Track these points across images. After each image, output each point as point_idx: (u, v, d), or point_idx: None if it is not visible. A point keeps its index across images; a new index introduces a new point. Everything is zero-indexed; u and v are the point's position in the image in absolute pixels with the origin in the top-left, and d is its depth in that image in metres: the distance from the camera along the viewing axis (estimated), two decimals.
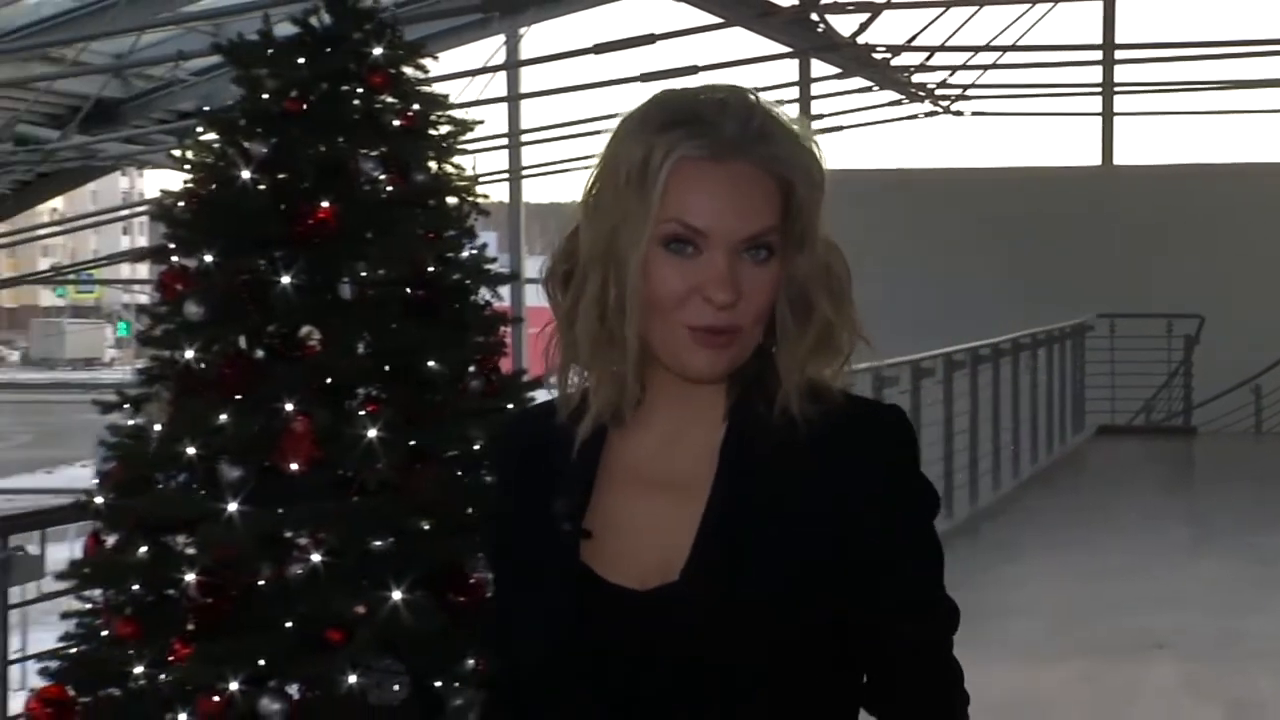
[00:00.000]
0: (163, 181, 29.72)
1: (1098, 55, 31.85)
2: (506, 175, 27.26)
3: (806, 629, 2.46)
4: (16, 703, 6.53)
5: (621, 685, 2.46)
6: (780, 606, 2.44)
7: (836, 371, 2.56)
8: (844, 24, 26.16)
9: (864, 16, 26.29)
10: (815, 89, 30.86)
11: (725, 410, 2.53)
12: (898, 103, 31.29)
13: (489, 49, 26.69)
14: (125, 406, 5.75)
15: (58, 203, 35.87)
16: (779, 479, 2.49)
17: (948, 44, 28.62)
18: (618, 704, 2.46)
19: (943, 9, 27.11)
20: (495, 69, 26.60)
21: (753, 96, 2.53)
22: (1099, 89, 32.27)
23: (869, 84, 29.88)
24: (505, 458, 2.76)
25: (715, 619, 2.43)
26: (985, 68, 30.85)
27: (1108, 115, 32.31)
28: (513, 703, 2.63)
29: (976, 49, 29.34)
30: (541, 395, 5.91)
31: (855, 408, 2.56)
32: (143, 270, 36.14)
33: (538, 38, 28.25)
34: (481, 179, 4.76)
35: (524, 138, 28.59)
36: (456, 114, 6.01)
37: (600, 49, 23.12)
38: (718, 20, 25.17)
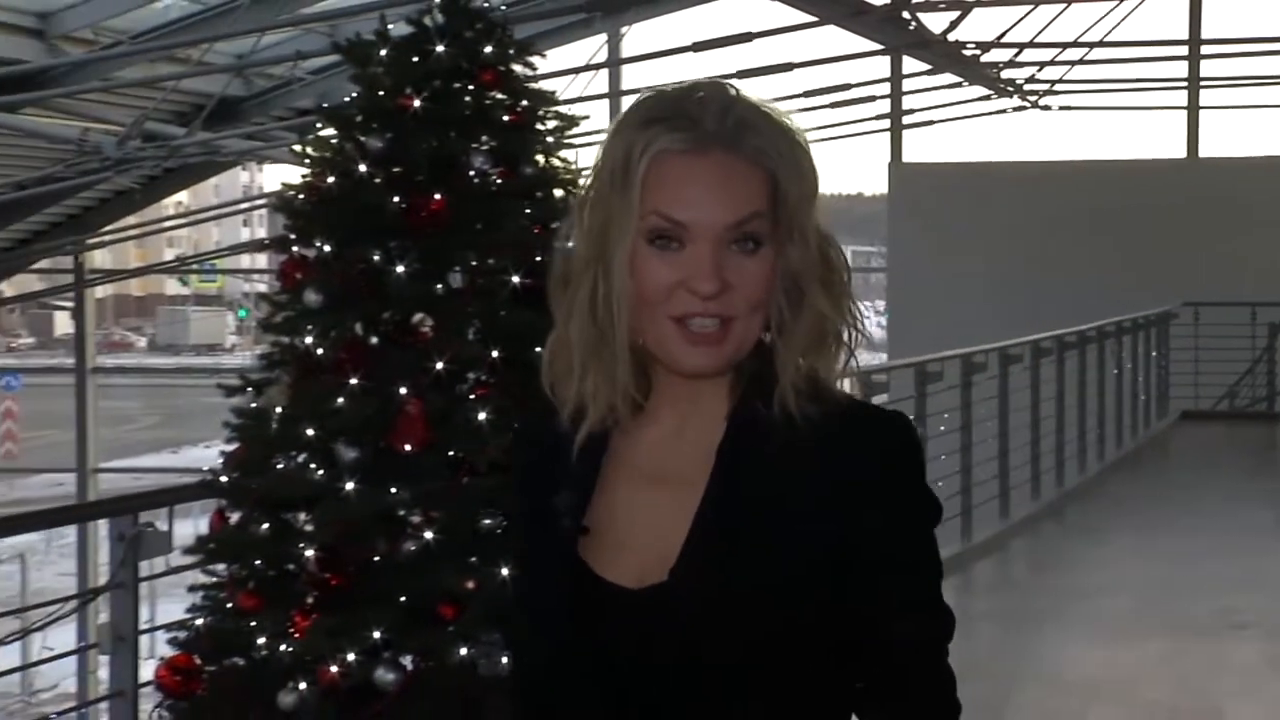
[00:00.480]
0: (281, 176, 29.88)
1: (1183, 50, 31.49)
2: None
3: (796, 627, 2.42)
4: (147, 670, 6.59)
5: (620, 682, 2.44)
6: (767, 604, 2.41)
7: (839, 369, 2.53)
8: (935, 22, 26.01)
9: (954, 14, 26.03)
10: (906, 85, 30.60)
11: (729, 408, 2.50)
12: (986, 98, 30.93)
13: (591, 47, 26.56)
14: (248, 390, 5.79)
15: (183, 196, 36.01)
16: (777, 478, 2.46)
17: (1036, 40, 28.15)
18: (618, 701, 2.44)
19: (1032, 6, 26.61)
20: (598, 66, 26.39)
21: (733, 91, 2.53)
22: (1185, 83, 31.79)
23: (958, 80, 29.46)
24: (517, 458, 2.74)
25: (704, 615, 2.40)
26: (1073, 63, 30.28)
27: (1193, 109, 31.79)
28: (536, 700, 2.58)
29: (1064, 45, 28.82)
30: None
31: (858, 410, 2.54)
32: (262, 260, 36.16)
33: (638, 36, 28.28)
34: (585, 172, 4.79)
35: None
36: (562, 110, 6.03)
37: (698, 47, 22.99)
38: (812, 19, 25.02)
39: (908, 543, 2.51)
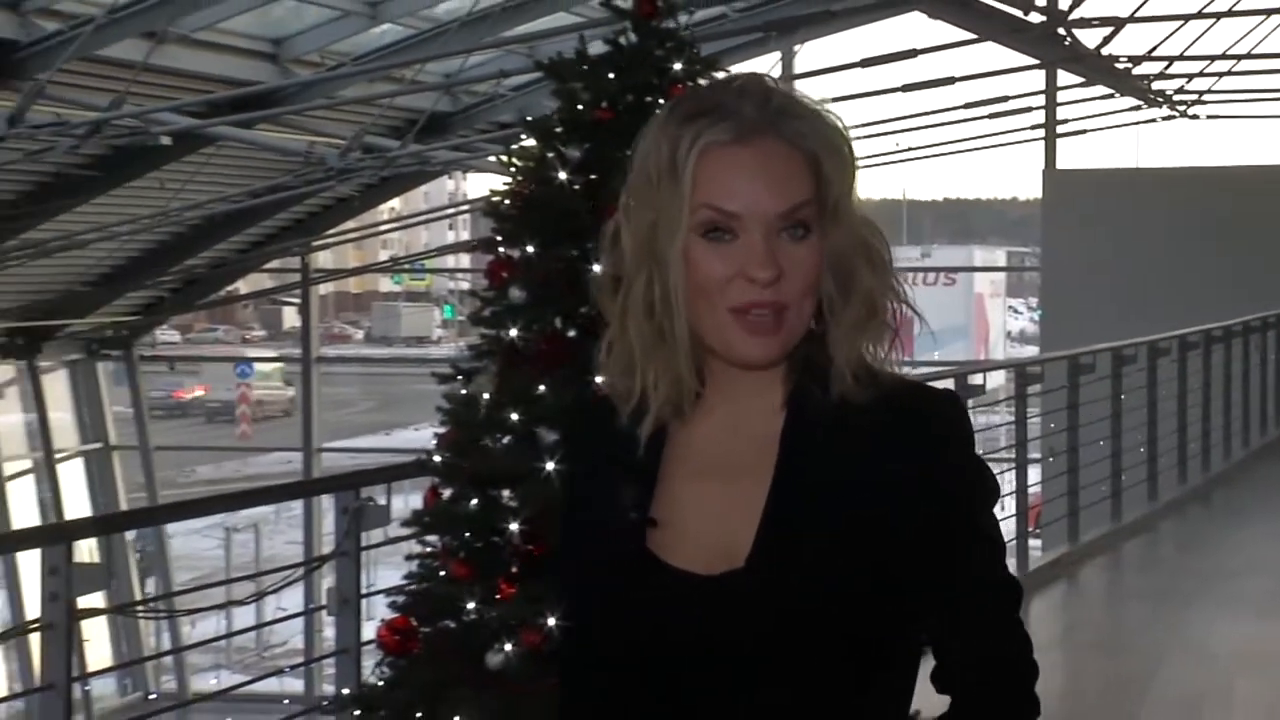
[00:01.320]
0: (484, 184, 30.05)
1: None
2: None
3: (874, 611, 2.32)
4: (368, 630, 6.67)
5: (687, 669, 2.32)
6: (844, 590, 2.30)
7: (887, 352, 2.41)
8: (1089, 37, 25.60)
9: (1107, 30, 25.62)
10: (1060, 96, 30.20)
11: (784, 396, 2.39)
12: (1136, 108, 30.39)
13: (768, 63, 26.79)
14: (458, 379, 5.82)
15: (395, 203, 36.19)
16: (838, 463, 2.34)
17: (1185, 54, 27.67)
18: (694, 698, 2.33)
19: (1181, 23, 26.21)
20: (807, 75, 26.82)
21: (769, 80, 2.42)
22: None
23: (1110, 91, 29.28)
24: (572, 450, 2.64)
25: (781, 602, 2.29)
26: (1220, 74, 29.85)
27: None
28: (589, 692, 2.48)
29: (1212, 58, 28.35)
30: None
31: (910, 391, 2.41)
32: (465, 260, 36.28)
33: (810, 53, 28.34)
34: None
35: None
36: None
37: (866, 63, 23.00)
38: (972, 36, 24.96)
39: (971, 525, 2.40)
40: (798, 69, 27.15)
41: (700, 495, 2.37)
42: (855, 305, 2.35)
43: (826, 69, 24.71)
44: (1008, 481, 14.70)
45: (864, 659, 2.32)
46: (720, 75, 2.21)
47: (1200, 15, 25.67)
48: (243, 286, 36.16)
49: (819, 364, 2.36)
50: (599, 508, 2.43)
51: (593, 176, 5.53)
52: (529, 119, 5.99)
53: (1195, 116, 31.72)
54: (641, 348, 2.38)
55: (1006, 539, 12.23)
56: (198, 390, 52.99)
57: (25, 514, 26.82)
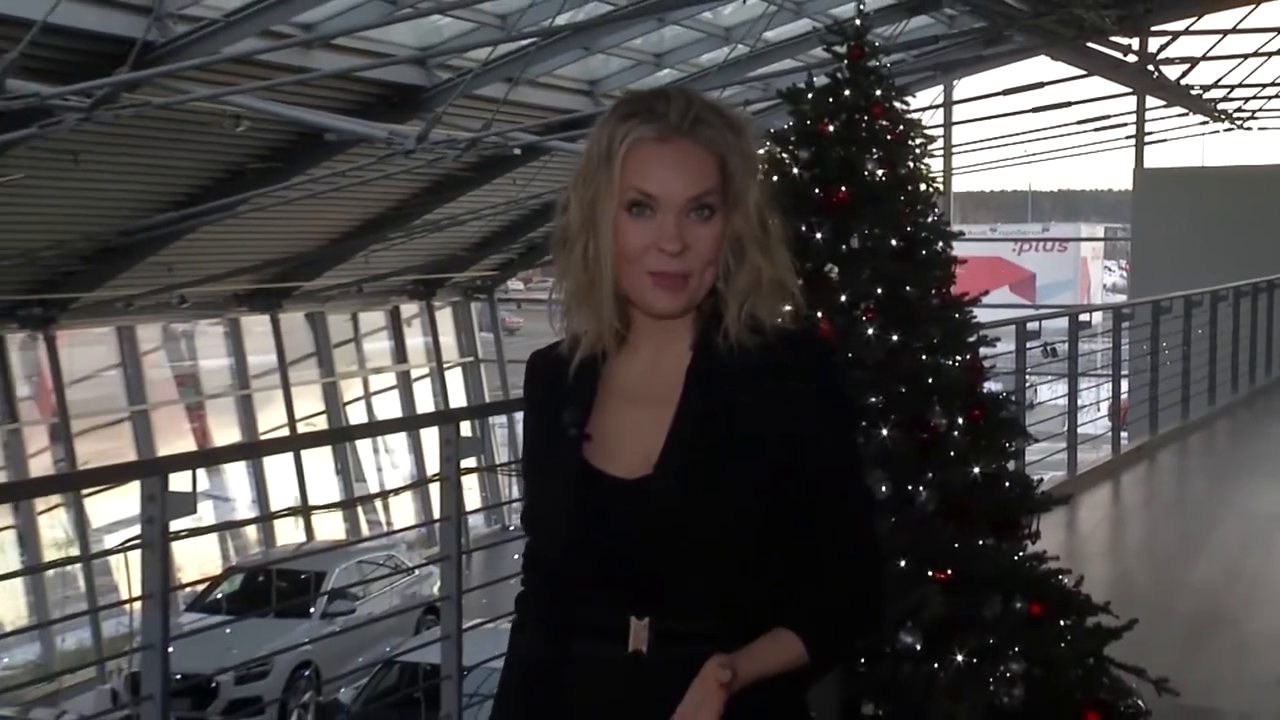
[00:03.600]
0: None
1: None
2: (942, 172, 27.38)
3: (752, 506, 2.21)
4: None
5: (615, 550, 2.23)
6: (731, 489, 2.20)
7: (777, 309, 2.29)
8: (1170, 71, 25.95)
9: (1184, 66, 26.01)
10: (1148, 115, 30.15)
11: (691, 341, 2.28)
12: (1204, 122, 30.08)
13: (935, 93, 27.10)
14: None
15: None
16: (731, 392, 2.24)
17: (1243, 82, 28.06)
18: (614, 564, 2.24)
19: (1240, 60, 26.53)
20: (938, 106, 27.04)
21: (692, 93, 2.30)
22: None
23: (1185, 110, 29.09)
24: (529, 383, 2.46)
25: (681, 498, 2.20)
26: (1269, 97, 29.83)
27: None
28: (544, 571, 2.39)
29: (1263, 85, 28.64)
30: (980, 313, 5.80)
31: (790, 336, 2.28)
32: None
33: (966, 85, 28.33)
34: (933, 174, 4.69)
35: (954, 150, 29.15)
36: (925, 132, 5.93)
37: (1007, 92, 23.51)
38: (1083, 71, 25.57)
39: (837, 440, 2.30)
40: (957, 96, 27.58)
41: (626, 417, 2.29)
42: (746, 274, 2.25)
43: (978, 96, 26.06)
44: (1104, 391, 14.58)
45: (751, 544, 2.22)
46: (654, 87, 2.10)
47: (1255, 54, 26.16)
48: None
49: (719, 317, 2.26)
50: (548, 427, 2.34)
51: (816, 170, 5.48)
52: (770, 130, 5.92)
53: (1249, 128, 31.46)
54: (576, 296, 2.29)
55: (1104, 433, 11.96)
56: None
57: (425, 404, 28.16)
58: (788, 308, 2.32)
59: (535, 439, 2.40)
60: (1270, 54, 26.17)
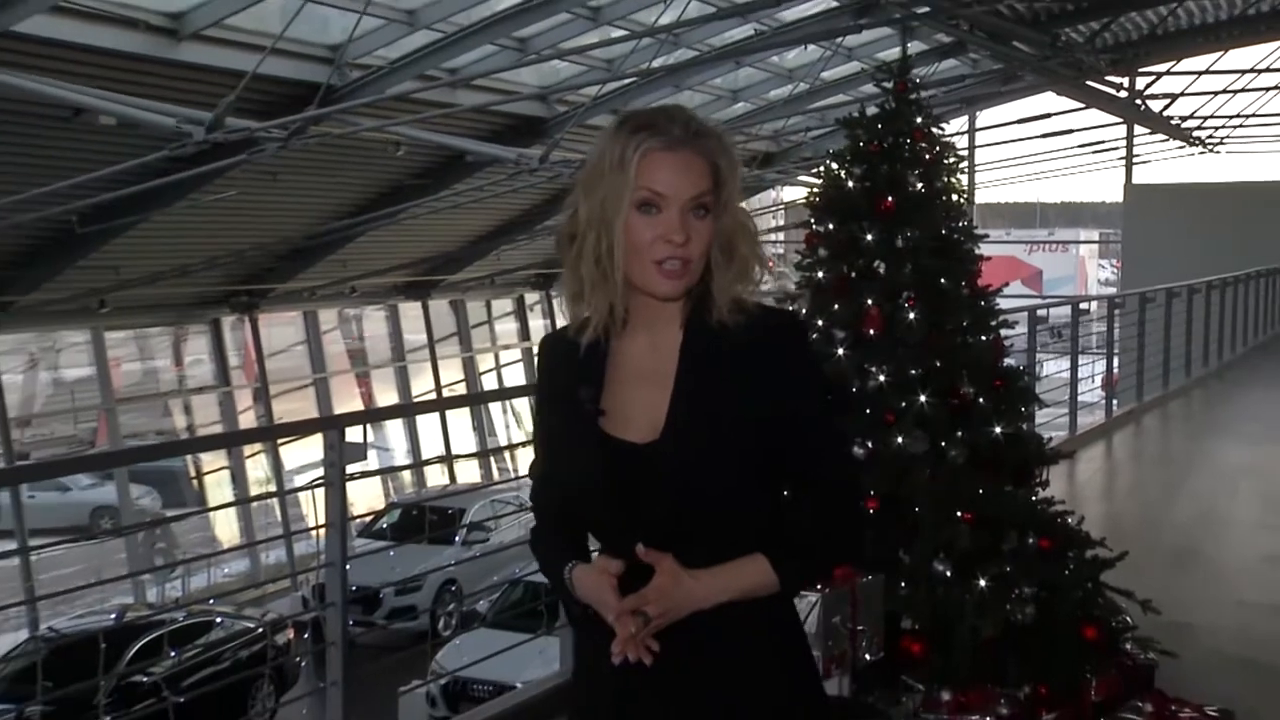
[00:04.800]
0: (795, 191, 29.83)
1: None
2: (967, 186, 27.16)
3: (743, 460, 2.14)
4: None
5: (630, 505, 2.17)
6: (728, 448, 2.13)
7: (751, 292, 2.21)
8: (1155, 105, 25.97)
9: (1165, 101, 25.92)
10: (1136, 140, 30.01)
11: (682, 322, 2.20)
12: (1182, 147, 29.84)
13: (962, 122, 26.86)
14: (790, 304, 5.72)
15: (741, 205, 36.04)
16: (721, 366, 2.16)
17: (1214, 114, 28.02)
18: (629, 518, 2.17)
19: (1212, 96, 26.53)
20: (963, 132, 27.26)
21: (689, 111, 2.24)
22: None
23: (1166, 137, 28.82)
24: (543, 361, 2.36)
25: (686, 458, 2.13)
26: (1234, 127, 29.67)
27: None
28: (556, 520, 2.33)
29: (1230, 116, 28.66)
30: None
31: (767, 314, 2.22)
32: (779, 235, 36.16)
33: (987, 115, 28.15)
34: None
35: (977, 168, 28.99)
36: (958, 152, 5.85)
37: (1020, 121, 23.41)
38: (1083, 105, 25.58)
39: (812, 396, 2.22)
40: (979, 124, 27.43)
41: (633, 392, 2.20)
42: (732, 267, 2.19)
43: (998, 124, 25.98)
44: (1099, 366, 14.44)
45: (743, 490, 2.16)
46: (665, 104, 2.02)
47: (1224, 91, 26.50)
48: None
49: (707, 301, 2.19)
50: (563, 401, 2.24)
51: (867, 184, 5.42)
52: (829, 151, 5.88)
53: (1218, 152, 31.13)
54: (589, 284, 2.19)
55: (1098, 400, 11.79)
56: None
57: None
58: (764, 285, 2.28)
59: (554, 412, 2.31)
60: (1236, 91, 26.67)
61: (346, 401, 23.54)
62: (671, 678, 2.15)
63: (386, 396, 24.81)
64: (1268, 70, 26.03)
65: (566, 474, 2.26)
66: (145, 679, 13.55)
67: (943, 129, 5.69)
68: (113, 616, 15.21)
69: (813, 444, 2.20)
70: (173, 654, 14.12)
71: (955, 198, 5.57)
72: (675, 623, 2.12)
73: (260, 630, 15.21)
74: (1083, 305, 13.90)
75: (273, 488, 21.17)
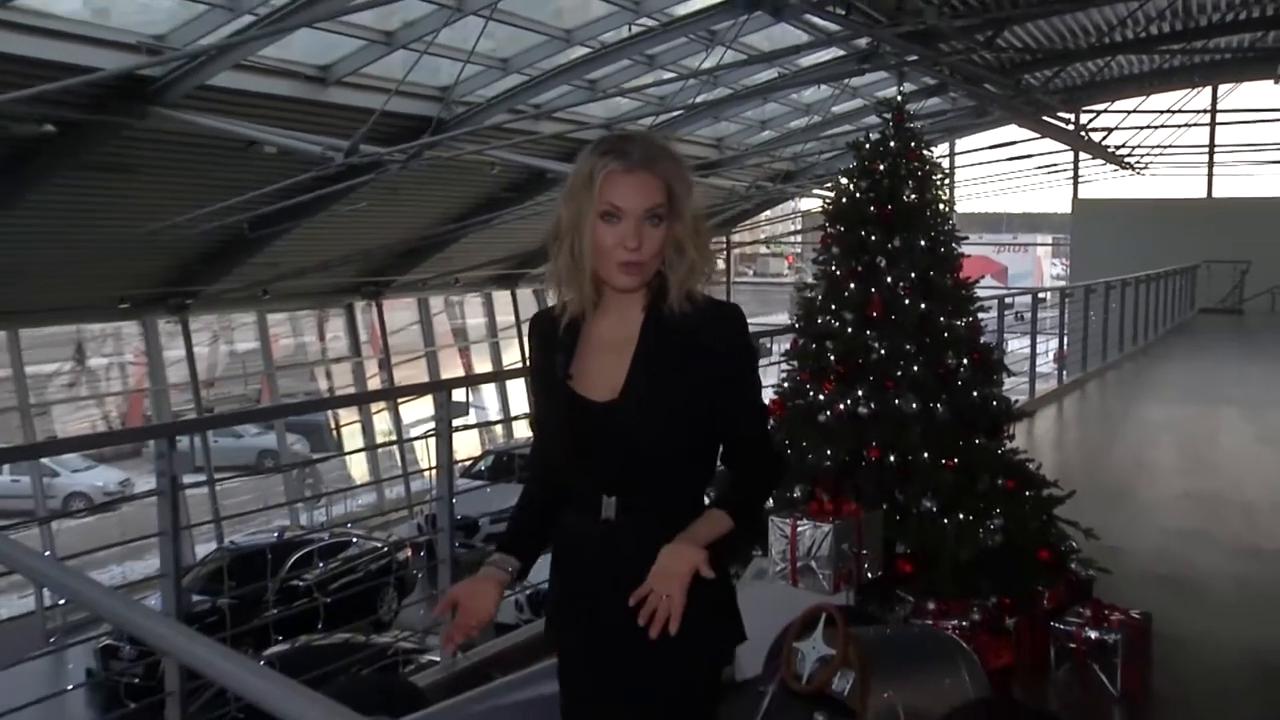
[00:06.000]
0: (810, 202, 29.62)
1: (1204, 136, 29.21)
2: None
3: (690, 424, 2.06)
4: None
5: (595, 456, 2.09)
6: (674, 410, 2.05)
7: (701, 286, 2.12)
8: (1096, 136, 25.65)
9: (1104, 133, 25.65)
10: (1081, 163, 29.56)
11: (643, 307, 2.11)
12: (1115, 169, 29.28)
13: (943, 148, 26.56)
14: (806, 289, 5.66)
15: (768, 213, 35.69)
16: (672, 344, 2.08)
17: (1142, 144, 27.57)
18: (595, 468, 2.09)
19: (1138, 130, 26.29)
20: (945, 155, 26.86)
21: (652, 137, 2.16)
22: (1205, 149, 29.33)
23: (1103, 161, 28.29)
24: (531, 335, 2.26)
25: (638, 416, 2.05)
26: (1160, 153, 29.02)
27: (1210, 164, 29.51)
28: (544, 476, 2.26)
29: (1154, 147, 28.23)
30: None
31: (712, 304, 2.11)
32: (797, 236, 35.92)
33: (965, 142, 27.99)
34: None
35: (957, 184, 28.30)
36: (942, 168, 5.74)
37: (992, 148, 23.10)
38: (1038, 135, 24.69)
39: (747, 381, 2.15)
40: (958, 149, 27.05)
41: (598, 360, 2.11)
42: (683, 264, 2.09)
43: (972, 149, 25.74)
44: (1053, 344, 14.28)
45: (685, 445, 2.08)
46: (632, 129, 1.94)
47: (1148, 126, 26.61)
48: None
49: (664, 292, 2.10)
50: (545, 368, 2.16)
51: (871, 194, 5.34)
52: (840, 169, 5.80)
53: (1143, 174, 30.49)
54: (565, 275, 2.11)
55: (1052, 371, 11.72)
56: None
57: None
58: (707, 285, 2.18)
59: (538, 376, 2.24)
60: (1157, 127, 27.05)
61: (451, 369, 23.66)
62: (620, 589, 2.06)
63: (483, 365, 24.91)
64: (1180, 111, 26.91)
65: (543, 426, 2.21)
66: (301, 583, 13.73)
67: (931, 152, 5.62)
68: (275, 535, 15.40)
69: (744, 417, 2.13)
70: (320, 565, 14.28)
71: (943, 207, 5.49)
72: (640, 557, 2.02)
73: (386, 549, 15.37)
74: (1040, 295, 13.72)
75: (394, 437, 21.30)
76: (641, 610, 1.99)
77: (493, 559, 2.25)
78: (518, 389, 24.18)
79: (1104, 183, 31.29)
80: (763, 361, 7.30)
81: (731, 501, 2.12)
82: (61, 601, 13.69)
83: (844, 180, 5.46)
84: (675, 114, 16.67)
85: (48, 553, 12.20)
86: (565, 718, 2.20)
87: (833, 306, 5.33)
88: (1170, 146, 28.93)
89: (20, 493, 18.60)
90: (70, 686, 12.19)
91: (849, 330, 5.24)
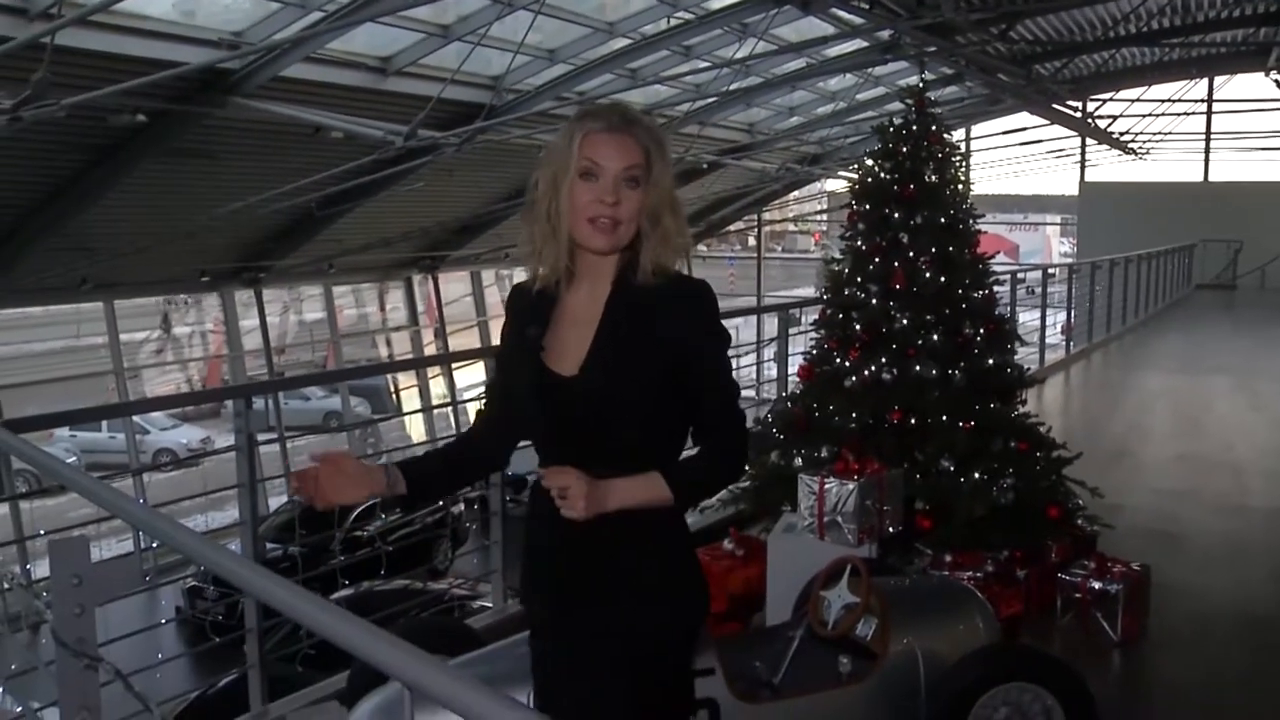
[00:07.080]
0: (835, 183, 29.29)
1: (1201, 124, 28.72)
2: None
3: (654, 395, 1.90)
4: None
5: (560, 426, 1.96)
6: (636, 384, 1.90)
7: (673, 260, 1.96)
8: (1102, 123, 25.15)
9: (1110, 119, 25.21)
10: (1089, 149, 29.21)
11: (612, 279, 1.96)
12: (1120, 153, 28.73)
13: (960, 134, 26.29)
14: (833, 262, 5.62)
15: (796, 192, 35.27)
16: (639, 316, 1.92)
17: (1145, 130, 27.15)
18: (560, 436, 1.96)
19: (1141, 117, 25.92)
20: (962, 140, 26.56)
21: (627, 105, 2.04)
22: (1202, 136, 28.75)
23: (1108, 146, 27.78)
24: (509, 304, 2.11)
25: (600, 389, 1.91)
26: (1163, 138, 28.57)
27: (1207, 150, 28.93)
28: (486, 424, 2.15)
29: (1157, 133, 27.83)
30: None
31: (682, 280, 1.95)
32: (824, 215, 35.65)
33: (980, 128, 27.50)
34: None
35: (973, 166, 27.91)
36: (960, 150, 5.69)
37: (1006, 133, 22.43)
38: (1047, 122, 24.25)
39: (715, 356, 1.96)
40: (974, 134, 26.81)
41: (568, 333, 1.97)
42: (656, 234, 1.94)
43: (987, 135, 25.73)
44: (1061, 316, 14.11)
45: (645, 418, 1.93)
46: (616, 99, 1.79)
47: (1150, 115, 26.22)
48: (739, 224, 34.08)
49: (635, 263, 1.95)
50: (518, 338, 2.03)
51: (895, 175, 5.30)
52: (866, 151, 5.74)
53: (1145, 158, 29.94)
54: (541, 240, 1.97)
55: (1060, 341, 11.64)
56: None
57: None
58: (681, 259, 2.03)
59: (509, 344, 2.08)
60: (1158, 115, 26.73)
61: None
62: (573, 556, 1.98)
63: None
64: (1179, 100, 26.58)
65: (513, 396, 2.07)
66: (364, 534, 13.87)
67: (950, 136, 5.56)
68: None
69: (710, 389, 1.95)
70: (382, 517, 14.41)
71: (961, 187, 5.44)
72: (586, 523, 1.88)
73: (441, 503, 15.43)
74: (1050, 271, 13.60)
75: (449, 399, 21.44)
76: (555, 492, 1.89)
77: (393, 463, 2.08)
78: None
79: (1108, 166, 30.91)
80: (792, 330, 7.34)
81: (682, 481, 1.94)
82: (155, 545, 13.96)
83: (869, 161, 5.41)
84: (710, 100, 16.53)
85: (141, 501, 12.48)
86: (535, 692, 2.08)
87: (858, 279, 5.29)
88: (1170, 133, 28.63)
89: (116, 448, 19.43)
90: (163, 621, 12.43)
91: (873, 301, 5.21)
